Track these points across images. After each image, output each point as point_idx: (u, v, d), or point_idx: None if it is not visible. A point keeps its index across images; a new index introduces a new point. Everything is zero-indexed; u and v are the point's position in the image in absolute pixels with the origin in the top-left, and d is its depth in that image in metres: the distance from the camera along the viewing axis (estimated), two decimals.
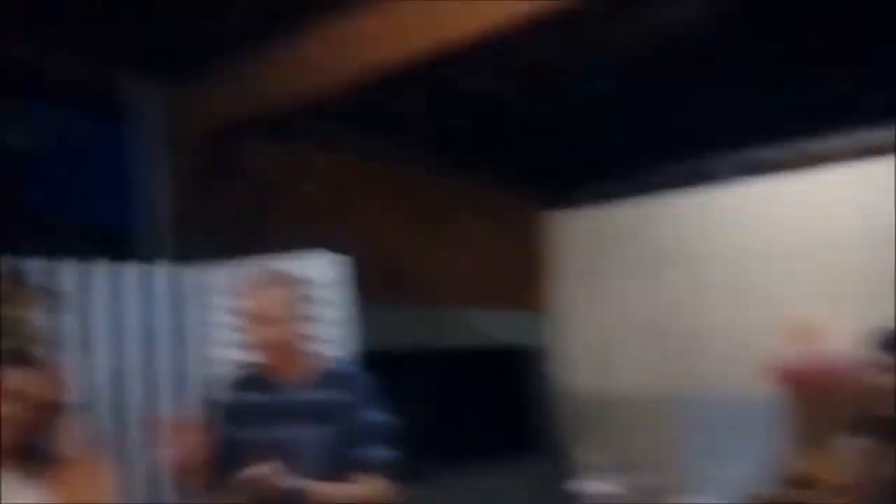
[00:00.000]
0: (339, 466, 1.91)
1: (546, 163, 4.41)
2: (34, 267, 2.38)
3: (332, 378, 2.04)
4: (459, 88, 3.27)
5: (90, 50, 2.96)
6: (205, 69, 3.04)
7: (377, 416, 2.00)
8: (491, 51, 2.60)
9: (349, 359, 2.39)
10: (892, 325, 2.25)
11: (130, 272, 2.58)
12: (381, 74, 2.65)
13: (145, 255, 2.82)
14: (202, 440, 1.91)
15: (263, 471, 1.78)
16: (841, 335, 3.30)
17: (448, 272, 4.35)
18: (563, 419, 4.92)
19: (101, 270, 2.52)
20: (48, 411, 1.90)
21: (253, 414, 1.98)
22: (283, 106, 2.89)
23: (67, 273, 2.44)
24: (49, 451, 1.89)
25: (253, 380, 2.09)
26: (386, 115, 3.51)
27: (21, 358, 1.92)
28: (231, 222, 3.11)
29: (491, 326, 4.64)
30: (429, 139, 4.01)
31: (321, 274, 2.48)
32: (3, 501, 1.77)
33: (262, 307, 1.99)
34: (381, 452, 1.96)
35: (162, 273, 2.64)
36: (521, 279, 5.03)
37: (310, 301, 2.09)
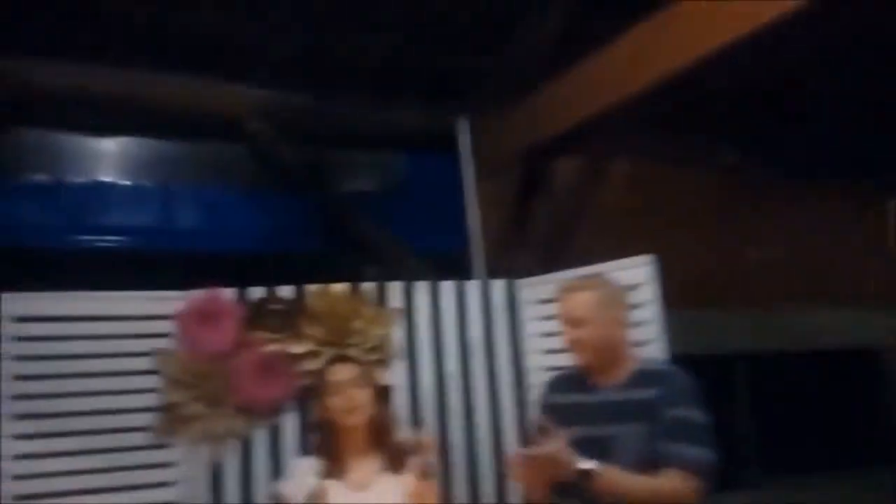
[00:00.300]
0: (652, 463, 1.93)
1: (878, 151, 4.00)
2: (378, 287, 2.78)
3: (646, 376, 2.08)
4: (758, 80, 3.15)
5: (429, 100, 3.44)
6: (510, 96, 3.34)
7: (690, 413, 1.98)
8: (793, 37, 2.49)
9: (662, 358, 2.41)
10: None
11: (456, 288, 2.86)
12: (680, 76, 2.68)
13: (468, 273, 3.14)
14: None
15: (549, 448, 1.86)
16: None
17: (769, 271, 4.14)
18: None
19: (423, 287, 2.83)
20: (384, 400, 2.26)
21: (570, 413, 2.07)
22: (584, 121, 3.05)
23: (397, 290, 2.80)
24: (397, 446, 2.25)
25: (569, 380, 2.22)
26: (684, 116, 3.50)
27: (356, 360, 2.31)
28: (543, 237, 3.36)
29: (821, 326, 4.30)
30: (731, 135, 3.89)
31: (631, 277, 2.55)
32: (374, 488, 2.13)
33: (573, 309, 2.12)
34: (691, 450, 1.93)
35: (487, 288, 2.89)
36: (852, 273, 4.59)
37: (620, 302, 2.17)
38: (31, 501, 2.39)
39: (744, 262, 4.13)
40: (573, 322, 2.12)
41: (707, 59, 2.57)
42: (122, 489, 2.49)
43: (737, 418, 4.20)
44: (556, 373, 2.40)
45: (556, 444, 1.88)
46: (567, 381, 2.24)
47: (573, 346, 2.14)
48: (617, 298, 2.17)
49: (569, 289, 2.18)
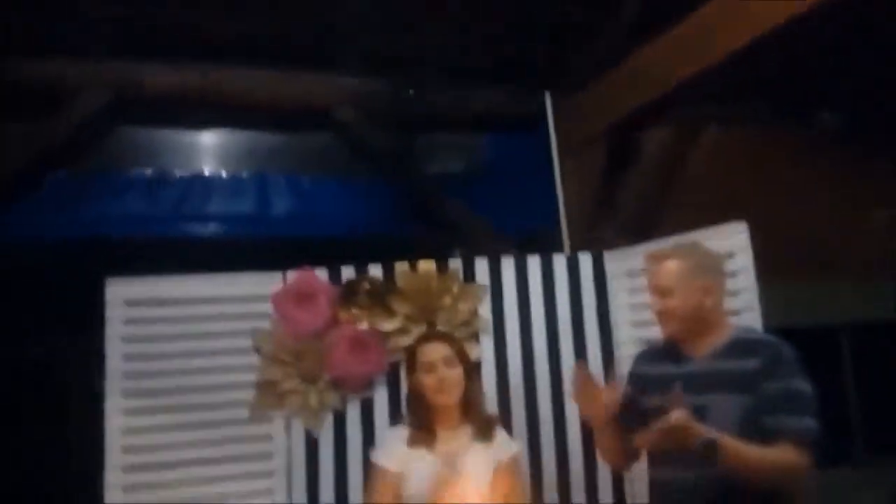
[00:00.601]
0: (754, 435, 1.86)
1: None
2: (465, 264, 2.82)
3: (743, 345, 2.02)
4: (855, 40, 2.99)
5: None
6: (593, 71, 3.30)
7: (794, 383, 1.91)
8: None
9: (758, 328, 2.32)
10: None
11: (543, 263, 2.86)
12: (769, 39, 2.57)
13: (557, 248, 3.12)
14: (614, 399, 2.05)
15: (679, 416, 1.80)
16: None
17: (870, 238, 3.92)
18: None
19: (509, 263, 2.84)
20: (474, 377, 2.28)
21: (663, 384, 2.00)
22: (669, 91, 2.97)
23: (484, 267, 2.83)
24: (486, 418, 2.27)
25: (662, 351, 2.17)
26: (778, 80, 3.36)
27: (445, 335, 2.33)
28: (630, 210, 3.30)
29: None
30: (829, 99, 3.70)
31: (724, 245, 2.47)
32: (465, 458, 2.16)
33: (660, 278, 2.08)
34: (798, 421, 1.87)
35: (574, 262, 2.88)
36: None
37: (711, 270, 2.10)
38: (138, 473, 2.54)
39: (844, 229, 3.91)
40: (661, 291, 2.08)
41: (800, 18, 2.45)
42: (224, 461, 2.63)
43: (841, 393, 4.00)
44: (646, 345, 2.36)
45: (682, 414, 1.82)
46: (657, 353, 2.20)
47: (662, 317, 2.09)
48: (707, 266, 2.10)
49: (657, 257, 2.14)
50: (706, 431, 1.81)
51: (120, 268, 2.64)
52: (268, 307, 2.70)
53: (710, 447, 1.80)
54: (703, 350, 2.06)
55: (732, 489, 1.86)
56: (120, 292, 2.64)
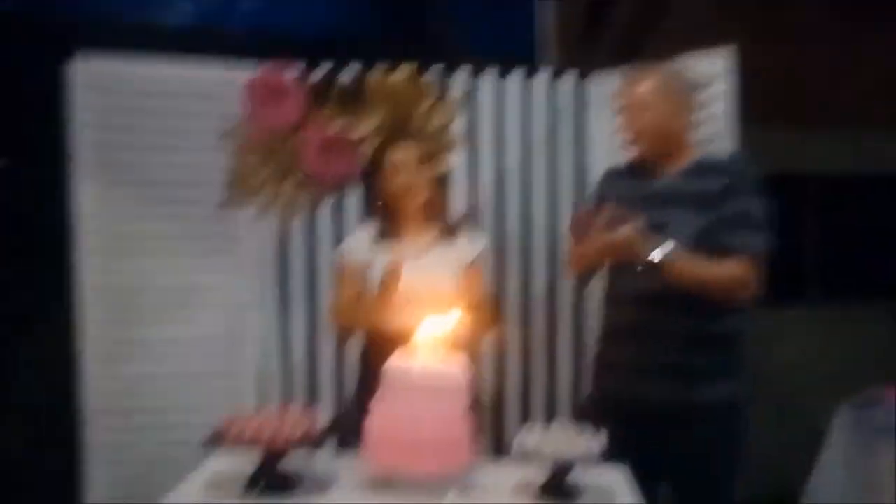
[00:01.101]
0: (710, 250, 1.93)
1: None
2: (442, 74, 2.75)
3: (707, 166, 2.05)
4: None
5: None
6: None
7: (753, 202, 1.97)
8: None
9: (729, 151, 2.35)
10: None
11: (523, 80, 2.80)
12: None
13: (537, 69, 3.05)
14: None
15: (630, 229, 1.88)
16: None
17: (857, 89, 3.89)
18: None
19: (489, 80, 2.79)
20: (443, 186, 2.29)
21: (626, 201, 2.02)
22: None
23: (462, 82, 2.77)
24: (447, 223, 2.30)
25: (628, 170, 2.19)
26: None
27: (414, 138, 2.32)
28: (618, 32, 3.20)
29: None
30: None
31: (705, 70, 2.44)
32: (422, 260, 2.20)
33: (634, 96, 2.07)
34: (752, 237, 1.94)
35: (555, 82, 2.82)
36: None
37: (685, 92, 2.09)
38: (109, 257, 2.57)
39: (834, 74, 3.86)
40: (633, 109, 2.07)
41: None
42: (194, 254, 2.67)
43: (805, 238, 4.13)
44: (615, 164, 2.38)
45: (628, 230, 1.88)
46: (624, 172, 2.22)
47: (632, 134, 2.09)
48: (680, 87, 2.09)
49: (632, 76, 2.12)
50: (651, 253, 1.89)
51: (85, 48, 2.53)
52: (238, 99, 2.63)
53: (653, 264, 1.88)
54: (669, 170, 2.09)
55: (680, 297, 1.94)
56: (85, 71, 2.54)
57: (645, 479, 1.81)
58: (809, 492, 2.43)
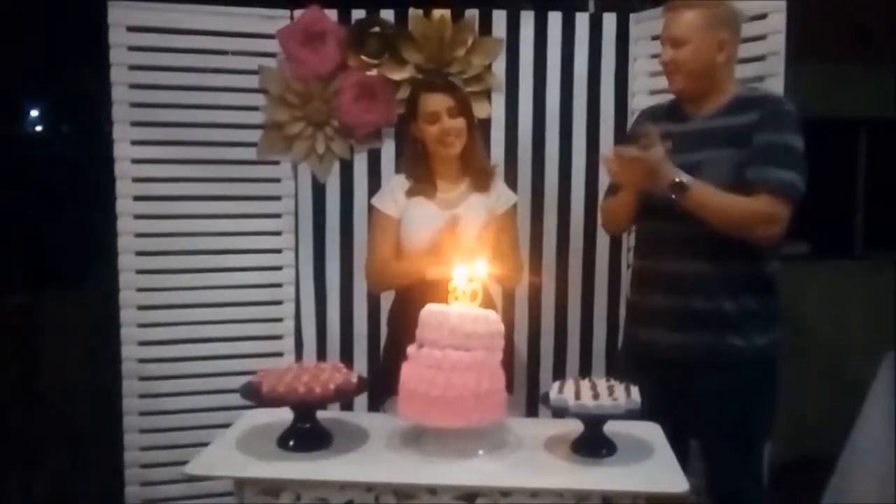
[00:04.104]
0: (743, 187, 1.88)
1: None
2: (481, 15, 2.67)
3: (743, 102, 1.99)
4: None
5: None
6: None
7: (784, 138, 1.90)
8: None
9: (767, 89, 2.25)
10: None
11: (564, 20, 2.71)
12: None
13: (581, 7, 2.93)
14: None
15: (654, 153, 1.84)
16: None
17: None
18: None
19: (528, 18, 2.70)
20: (477, 129, 2.25)
21: (663, 141, 1.94)
22: None
23: (501, 20, 2.69)
24: (486, 171, 2.26)
25: (665, 109, 2.14)
26: None
27: (449, 85, 2.24)
28: None
29: None
30: None
31: (757, 4, 2.33)
32: (461, 206, 2.18)
33: (676, 28, 2.00)
34: (780, 172, 1.87)
35: (597, 21, 2.72)
36: None
37: (730, 25, 2.00)
38: (148, 202, 2.61)
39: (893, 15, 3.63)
40: (674, 42, 2.00)
41: None
42: (231, 198, 2.68)
43: (851, 187, 3.97)
44: (650, 106, 2.32)
45: (658, 152, 1.85)
46: (661, 111, 2.16)
47: (671, 68, 2.02)
48: (724, 20, 2.00)
49: (674, 6, 2.03)
50: (677, 174, 1.85)
51: None
52: (275, 45, 2.61)
53: (679, 186, 1.85)
54: (706, 110, 2.03)
55: (714, 242, 1.91)
56: (122, 17, 2.54)
57: (676, 430, 1.81)
58: (851, 442, 2.40)
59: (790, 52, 2.35)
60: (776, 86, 2.32)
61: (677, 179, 1.86)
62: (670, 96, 2.15)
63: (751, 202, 1.88)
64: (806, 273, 3.59)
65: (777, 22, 2.34)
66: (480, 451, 1.60)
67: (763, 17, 2.35)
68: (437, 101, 2.14)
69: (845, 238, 4.05)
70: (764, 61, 2.37)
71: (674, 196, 1.87)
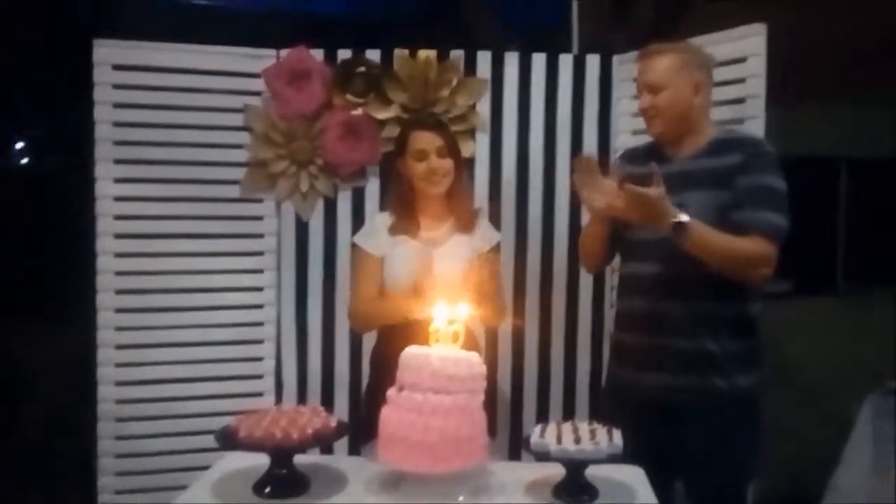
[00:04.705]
0: (728, 228, 1.89)
1: None
2: (467, 56, 2.69)
3: (724, 144, 2.00)
4: None
5: None
6: None
7: (769, 179, 1.92)
8: None
9: (746, 131, 2.27)
10: None
11: (548, 61, 2.73)
12: None
13: (565, 48, 2.97)
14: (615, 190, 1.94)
15: (657, 191, 1.82)
16: None
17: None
18: None
19: (512, 59, 2.73)
20: (464, 170, 2.25)
21: (644, 184, 1.90)
22: None
23: (487, 61, 2.71)
24: (470, 212, 2.25)
25: (645, 151, 2.15)
26: None
27: (439, 125, 2.25)
28: (648, 13, 3.10)
29: None
30: None
31: (736, 48, 2.37)
32: (444, 246, 2.18)
33: (653, 74, 2.02)
34: (768, 215, 1.89)
35: (581, 62, 2.75)
36: None
37: (703, 68, 2.04)
38: (128, 240, 2.60)
39: (871, 52, 3.70)
40: (651, 88, 2.03)
41: None
42: (214, 237, 2.67)
43: (832, 224, 4.02)
44: (630, 147, 2.34)
45: (661, 188, 1.84)
46: (641, 153, 2.17)
47: (650, 114, 2.04)
48: (698, 63, 2.04)
49: (649, 53, 2.06)
50: (678, 213, 1.84)
51: (107, 29, 2.53)
52: (260, 84, 2.63)
53: (680, 227, 1.84)
54: (686, 152, 2.05)
55: (698, 282, 1.92)
56: (107, 55, 2.55)
57: (659, 472, 1.79)
58: (834, 482, 2.38)
59: (771, 93, 2.38)
60: (756, 128, 2.35)
61: (678, 219, 1.85)
62: (649, 134, 2.16)
63: (747, 243, 1.89)
64: (789, 311, 3.62)
65: (756, 66, 2.38)
66: (461, 497, 1.57)
67: (742, 60, 2.39)
68: (426, 140, 2.14)
69: (827, 275, 4.08)
70: (744, 104, 2.40)
71: (673, 235, 1.86)
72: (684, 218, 1.84)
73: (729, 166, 1.95)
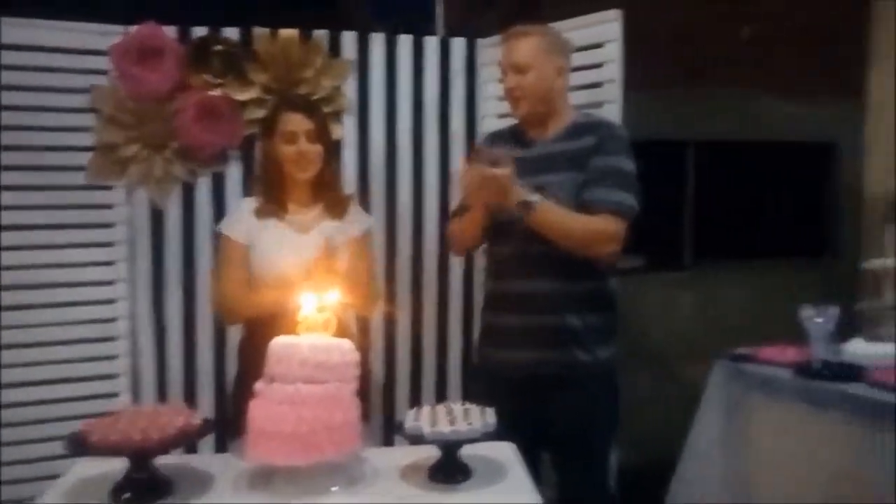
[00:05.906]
0: (583, 208, 1.97)
1: None
2: (331, 36, 2.64)
3: (581, 128, 2.08)
4: None
5: None
6: None
7: (619, 161, 2.01)
8: None
9: (603, 115, 2.36)
10: None
11: (414, 43, 2.73)
12: None
13: (429, 32, 2.97)
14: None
15: (503, 171, 1.86)
16: None
17: (749, 56, 4.00)
18: (853, 219, 4.45)
19: (378, 41, 2.69)
20: (333, 154, 2.20)
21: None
22: None
23: (352, 42, 2.67)
24: (339, 197, 2.21)
25: (509, 134, 2.20)
26: None
27: (310, 107, 2.18)
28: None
29: (787, 117, 4.24)
30: None
31: (593, 34, 2.46)
32: (313, 231, 2.11)
33: (515, 55, 2.06)
34: (616, 194, 1.97)
35: (447, 45, 2.75)
36: (830, 66, 4.41)
37: (564, 53, 2.10)
38: None
39: (721, 39, 3.95)
40: (516, 68, 2.06)
41: None
42: (59, 227, 2.49)
43: (680, 203, 4.27)
44: (494, 129, 2.38)
45: (507, 170, 1.88)
46: (504, 136, 2.22)
47: (516, 94, 2.08)
48: (560, 47, 2.11)
49: (514, 34, 2.10)
50: (525, 193, 1.91)
51: None
52: (107, 62, 2.45)
53: (526, 206, 1.91)
54: (547, 135, 2.11)
55: (558, 260, 1.99)
56: None
57: (530, 445, 1.84)
58: (689, 446, 2.52)
59: (627, 80, 2.48)
60: (613, 111, 2.44)
61: (524, 198, 1.90)
62: (512, 116, 2.20)
63: (593, 220, 1.96)
64: (642, 285, 3.83)
65: (613, 51, 2.47)
66: (334, 488, 1.53)
67: (599, 45, 2.47)
68: (296, 122, 2.06)
69: (676, 251, 4.32)
70: (601, 88, 2.49)
71: (520, 214, 1.91)
72: (532, 198, 1.90)
73: (584, 148, 2.03)
